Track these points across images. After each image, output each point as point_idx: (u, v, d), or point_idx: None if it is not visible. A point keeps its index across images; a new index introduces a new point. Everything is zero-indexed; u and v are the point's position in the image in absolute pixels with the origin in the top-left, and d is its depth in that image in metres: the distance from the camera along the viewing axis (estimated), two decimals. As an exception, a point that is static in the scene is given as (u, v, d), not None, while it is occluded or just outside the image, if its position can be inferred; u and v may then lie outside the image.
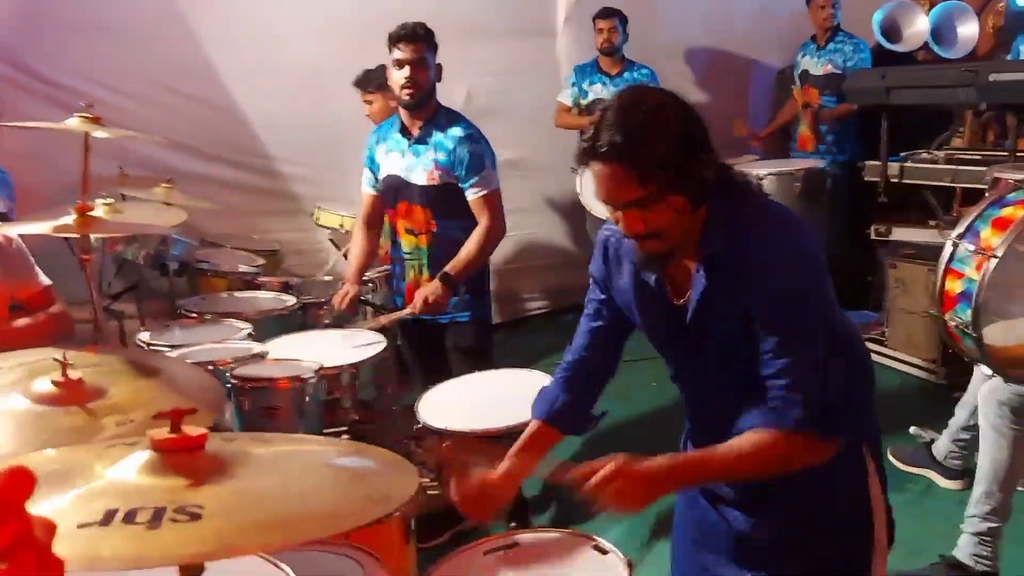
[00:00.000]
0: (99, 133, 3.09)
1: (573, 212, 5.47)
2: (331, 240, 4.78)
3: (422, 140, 3.03)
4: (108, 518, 0.86)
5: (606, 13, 5.10)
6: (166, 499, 0.91)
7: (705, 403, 1.71)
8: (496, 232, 3.07)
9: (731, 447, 1.49)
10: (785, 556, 1.66)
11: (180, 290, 3.97)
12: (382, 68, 4.45)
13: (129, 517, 0.86)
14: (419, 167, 3.04)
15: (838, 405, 1.49)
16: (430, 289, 2.98)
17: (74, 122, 2.46)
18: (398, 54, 2.94)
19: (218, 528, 0.85)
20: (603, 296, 1.77)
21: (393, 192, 3.12)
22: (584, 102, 5.21)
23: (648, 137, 1.40)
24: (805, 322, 1.48)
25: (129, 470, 1.00)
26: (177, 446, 0.98)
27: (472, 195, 3.03)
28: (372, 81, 4.23)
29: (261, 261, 4.24)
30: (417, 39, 2.95)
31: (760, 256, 1.47)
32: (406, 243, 3.14)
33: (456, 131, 3.02)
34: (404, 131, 3.07)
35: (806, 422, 1.46)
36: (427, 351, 3.20)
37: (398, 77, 2.96)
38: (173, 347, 2.96)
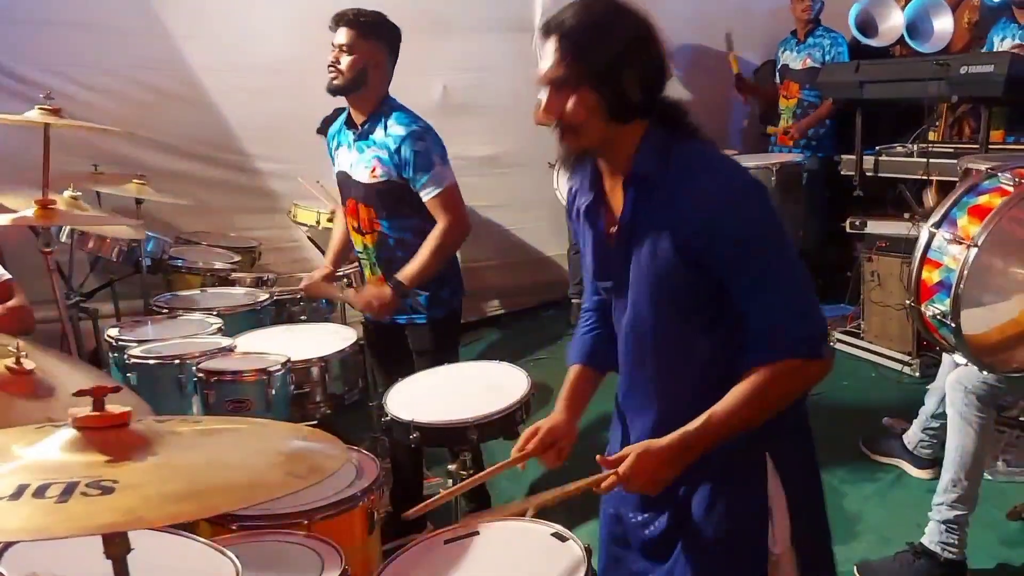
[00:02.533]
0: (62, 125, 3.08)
1: (550, 208, 5.47)
2: (309, 238, 4.77)
3: (365, 136, 2.89)
4: (18, 493, 0.86)
5: None
6: (81, 474, 0.90)
7: (637, 338, 1.66)
8: (456, 230, 2.87)
9: (733, 396, 1.49)
10: (684, 555, 1.66)
11: (155, 287, 3.96)
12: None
13: (40, 492, 0.86)
14: (361, 164, 2.90)
15: (821, 321, 1.51)
16: (376, 293, 2.89)
17: (33, 114, 2.43)
18: (333, 38, 2.85)
19: (129, 500, 0.85)
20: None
21: (343, 189, 3.03)
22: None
23: (588, 26, 1.46)
24: (772, 248, 1.49)
25: (52, 448, 1.00)
26: (98, 424, 0.98)
27: (426, 195, 2.85)
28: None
29: (237, 258, 4.23)
30: (345, 23, 2.82)
31: (708, 189, 1.47)
32: (356, 241, 3.03)
33: (398, 130, 2.83)
34: (350, 124, 2.96)
35: (799, 347, 1.47)
36: (389, 352, 3.11)
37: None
38: (141, 342, 2.95)
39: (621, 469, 1.52)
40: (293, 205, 4.60)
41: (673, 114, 1.56)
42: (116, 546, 1.00)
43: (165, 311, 3.41)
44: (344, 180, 3.01)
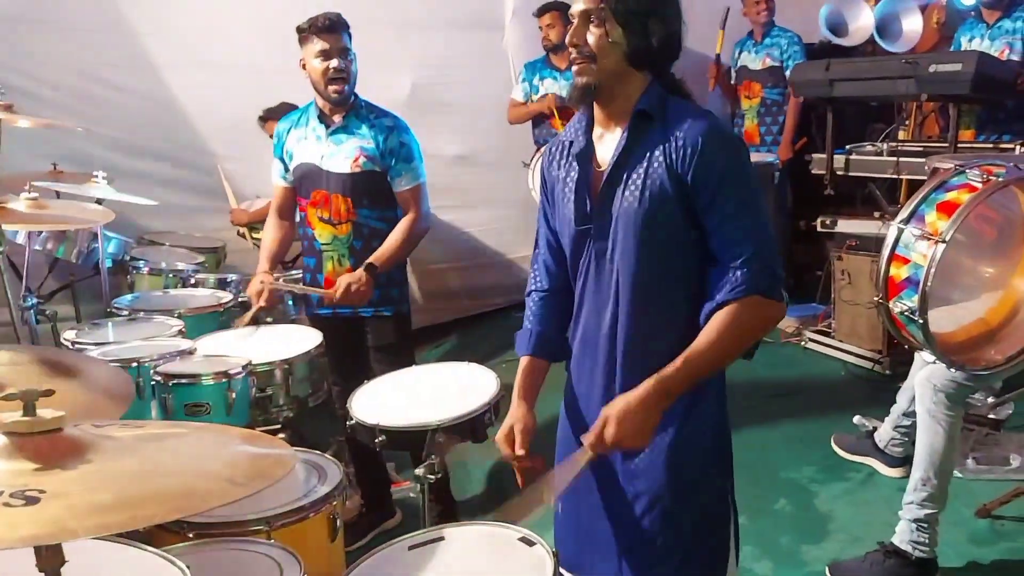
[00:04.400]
0: (21, 122, 3.01)
1: (521, 208, 5.43)
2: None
3: (345, 128, 2.94)
4: (-65, 504, 0.79)
5: (544, 9, 5.06)
6: (6, 484, 0.84)
7: (600, 296, 1.73)
8: (422, 224, 3.02)
9: (706, 335, 1.59)
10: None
11: (117, 289, 3.87)
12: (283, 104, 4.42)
13: (-42, 503, 0.80)
14: (340, 155, 2.93)
15: (780, 266, 1.63)
16: (355, 277, 2.87)
17: (-18, 109, 2.35)
18: (322, 45, 2.84)
19: (54, 511, 0.79)
20: (547, 220, 1.87)
21: (306, 181, 3.01)
22: (535, 96, 5.18)
23: None
24: (748, 192, 1.61)
25: (-21, 456, 0.93)
26: (28, 430, 0.92)
27: (400, 186, 2.97)
28: (276, 112, 4.30)
29: (201, 259, 4.15)
30: (342, 28, 2.87)
31: (701, 127, 1.60)
32: (322, 233, 3.01)
33: (386, 121, 2.95)
34: (323, 119, 2.96)
35: (761, 283, 1.58)
36: (345, 346, 3.09)
37: (321, 68, 2.85)
38: (99, 345, 2.87)
39: (608, 435, 1.58)
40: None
41: (673, 81, 1.72)
42: (49, 558, 0.94)
43: (125, 313, 3.33)
44: (311, 172, 2.99)
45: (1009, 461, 3.35)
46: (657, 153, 1.62)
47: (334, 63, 2.85)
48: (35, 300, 3.68)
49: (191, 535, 1.92)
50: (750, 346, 1.67)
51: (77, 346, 2.89)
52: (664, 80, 1.69)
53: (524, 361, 1.87)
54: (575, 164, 1.74)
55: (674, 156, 1.60)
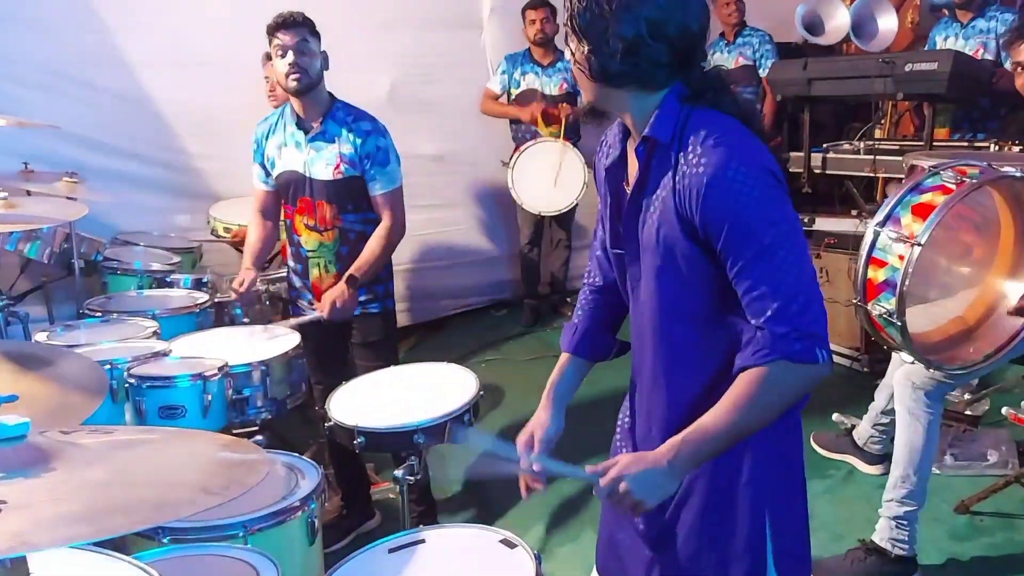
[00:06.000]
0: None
1: (502, 207, 5.42)
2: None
3: (323, 135, 2.93)
4: None
5: (539, 3, 5.04)
6: (-35, 494, 0.81)
7: (639, 321, 1.59)
8: (400, 228, 3.01)
9: (721, 406, 1.40)
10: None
11: (91, 290, 3.81)
12: None
13: (-85, 515, 0.77)
14: (321, 161, 2.93)
15: (816, 322, 1.38)
16: (337, 292, 2.88)
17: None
18: (278, 42, 2.84)
19: (16, 523, 0.76)
20: (601, 217, 1.71)
21: (291, 188, 3.00)
22: (515, 91, 5.16)
23: None
24: (775, 236, 1.36)
25: (-61, 465, 0.90)
26: (-10, 437, 0.89)
27: (377, 190, 2.96)
28: None
29: (176, 259, 4.09)
30: (297, 25, 2.86)
31: (705, 163, 1.36)
32: (309, 240, 3.02)
33: (364, 125, 2.94)
34: (301, 124, 2.95)
35: (787, 348, 1.35)
36: (328, 343, 3.10)
37: (281, 65, 2.85)
38: (71, 347, 2.81)
39: (604, 481, 1.44)
40: (212, 219, 4.44)
41: (698, 85, 1.45)
42: (13, 571, 0.91)
43: (99, 314, 3.28)
44: (293, 179, 2.99)
45: (987, 457, 3.37)
46: (667, 188, 1.42)
47: (288, 58, 2.83)
48: (5, 301, 3.62)
49: (166, 540, 1.88)
50: (780, 411, 1.43)
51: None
52: (696, 88, 1.44)
53: (563, 358, 1.76)
54: (608, 180, 1.58)
55: (681, 195, 1.39)
